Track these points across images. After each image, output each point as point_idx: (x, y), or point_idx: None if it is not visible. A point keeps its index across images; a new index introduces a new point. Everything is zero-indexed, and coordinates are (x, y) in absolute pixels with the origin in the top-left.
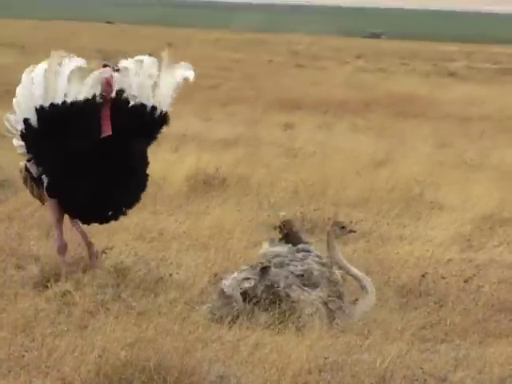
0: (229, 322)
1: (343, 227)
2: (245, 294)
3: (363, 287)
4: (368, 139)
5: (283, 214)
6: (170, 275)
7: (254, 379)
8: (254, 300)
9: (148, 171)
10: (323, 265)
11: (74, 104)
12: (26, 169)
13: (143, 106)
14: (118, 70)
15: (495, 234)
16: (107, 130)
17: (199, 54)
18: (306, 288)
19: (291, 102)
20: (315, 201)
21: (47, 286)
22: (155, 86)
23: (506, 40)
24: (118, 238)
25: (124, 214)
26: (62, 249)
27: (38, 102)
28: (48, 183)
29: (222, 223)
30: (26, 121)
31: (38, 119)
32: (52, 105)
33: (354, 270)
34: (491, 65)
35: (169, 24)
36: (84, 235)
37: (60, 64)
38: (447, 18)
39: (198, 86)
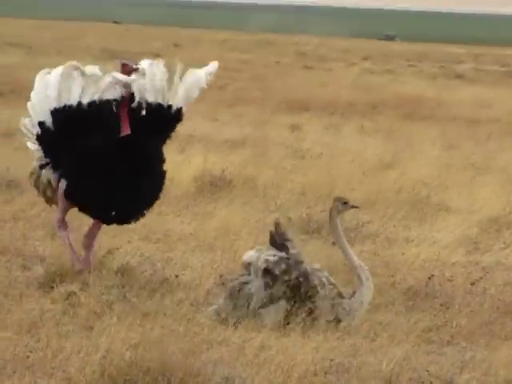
0: (234, 324)
1: (345, 202)
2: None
3: (358, 277)
4: (375, 141)
5: (290, 216)
6: (176, 276)
7: (260, 381)
8: (272, 277)
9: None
10: (319, 270)
11: (91, 105)
12: (38, 172)
13: (160, 105)
14: (136, 69)
15: (502, 237)
16: (126, 130)
17: (206, 55)
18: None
19: (299, 104)
20: (322, 202)
21: (52, 287)
22: (172, 84)
23: None
24: (123, 238)
25: (144, 213)
26: (63, 226)
27: (53, 105)
28: (67, 186)
29: (229, 224)
30: (41, 124)
31: (54, 121)
32: (68, 106)
33: (352, 256)
34: (499, 67)
35: (176, 24)
36: (93, 237)
37: (76, 68)
38: (454, 20)
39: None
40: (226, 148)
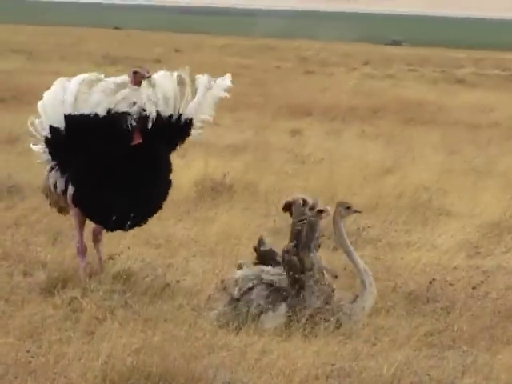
0: (235, 328)
1: (348, 207)
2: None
3: (362, 281)
4: (376, 146)
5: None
6: (177, 281)
7: None
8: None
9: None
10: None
11: (106, 114)
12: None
13: (170, 115)
14: (148, 77)
15: (503, 241)
16: (138, 139)
17: (207, 60)
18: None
19: (300, 108)
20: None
21: (54, 293)
22: (183, 95)
23: None
24: (125, 244)
25: (147, 221)
26: (82, 251)
27: (68, 110)
28: (74, 192)
29: (230, 229)
30: (52, 127)
31: (67, 127)
32: (83, 113)
33: (357, 260)
34: (500, 71)
35: (176, 30)
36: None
37: (98, 79)
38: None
39: None
40: (227, 153)
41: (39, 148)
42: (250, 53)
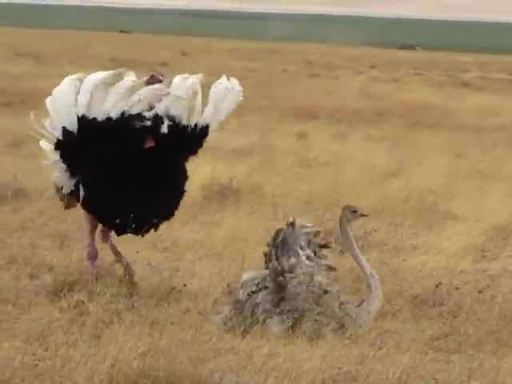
0: (242, 332)
1: (355, 211)
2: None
3: (368, 285)
4: (382, 149)
5: None
6: (184, 285)
7: None
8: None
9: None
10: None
11: (119, 116)
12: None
13: (185, 121)
14: (164, 81)
15: (509, 245)
16: (150, 142)
17: (214, 64)
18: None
19: (305, 112)
20: (329, 210)
21: (61, 296)
22: (198, 100)
23: None
24: (131, 247)
25: (158, 226)
26: (93, 255)
27: (82, 111)
28: (85, 196)
29: (236, 233)
30: (64, 129)
31: (80, 128)
32: (97, 115)
33: (363, 264)
34: (506, 75)
35: (183, 33)
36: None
37: (114, 79)
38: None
39: None
40: (233, 157)
41: (48, 146)
42: (257, 56)
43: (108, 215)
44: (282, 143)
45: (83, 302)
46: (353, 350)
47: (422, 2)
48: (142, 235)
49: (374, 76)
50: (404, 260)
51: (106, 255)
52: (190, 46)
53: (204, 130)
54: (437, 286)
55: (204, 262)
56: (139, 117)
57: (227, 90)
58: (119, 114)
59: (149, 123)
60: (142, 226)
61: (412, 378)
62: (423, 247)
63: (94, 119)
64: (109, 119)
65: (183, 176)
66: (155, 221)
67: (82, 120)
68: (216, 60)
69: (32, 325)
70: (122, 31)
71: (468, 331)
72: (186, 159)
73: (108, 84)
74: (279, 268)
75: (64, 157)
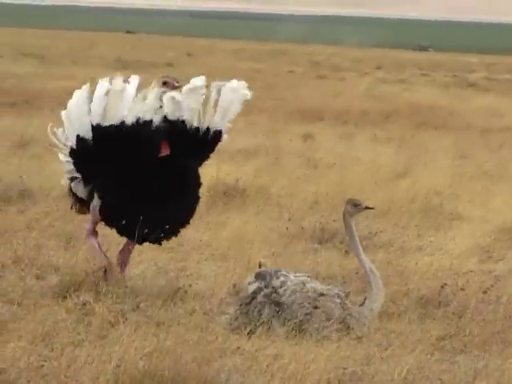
0: (248, 333)
1: (356, 204)
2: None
3: (369, 282)
4: (388, 150)
5: (303, 225)
6: (190, 285)
7: None
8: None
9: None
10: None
11: (134, 124)
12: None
13: (197, 127)
14: (177, 87)
15: None
16: (165, 150)
17: (220, 65)
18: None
19: (312, 113)
20: (335, 211)
21: (66, 297)
22: (210, 105)
23: None
24: (137, 248)
25: (174, 235)
26: (91, 232)
27: (96, 120)
28: (102, 205)
29: (242, 233)
30: (79, 138)
31: (94, 137)
32: (112, 124)
33: (364, 259)
34: (511, 76)
35: (188, 34)
36: (128, 254)
37: (123, 85)
38: (467, 30)
39: None
40: (239, 157)
41: (63, 157)
42: (263, 57)
43: (123, 224)
44: (288, 144)
45: (89, 302)
46: (358, 351)
47: (429, 3)
48: (160, 243)
49: (379, 77)
50: (414, 263)
51: (111, 257)
52: (195, 46)
53: (217, 134)
54: (442, 287)
55: (210, 262)
56: (153, 124)
57: (235, 92)
58: (134, 121)
59: (163, 130)
60: (156, 234)
61: (417, 379)
62: (429, 248)
63: (109, 127)
64: (122, 127)
65: (198, 182)
66: (172, 229)
67: (96, 129)
68: (221, 61)
69: (38, 325)
70: (128, 32)
71: (473, 332)
72: (199, 165)
73: (121, 91)
74: (270, 289)
75: (78, 166)
